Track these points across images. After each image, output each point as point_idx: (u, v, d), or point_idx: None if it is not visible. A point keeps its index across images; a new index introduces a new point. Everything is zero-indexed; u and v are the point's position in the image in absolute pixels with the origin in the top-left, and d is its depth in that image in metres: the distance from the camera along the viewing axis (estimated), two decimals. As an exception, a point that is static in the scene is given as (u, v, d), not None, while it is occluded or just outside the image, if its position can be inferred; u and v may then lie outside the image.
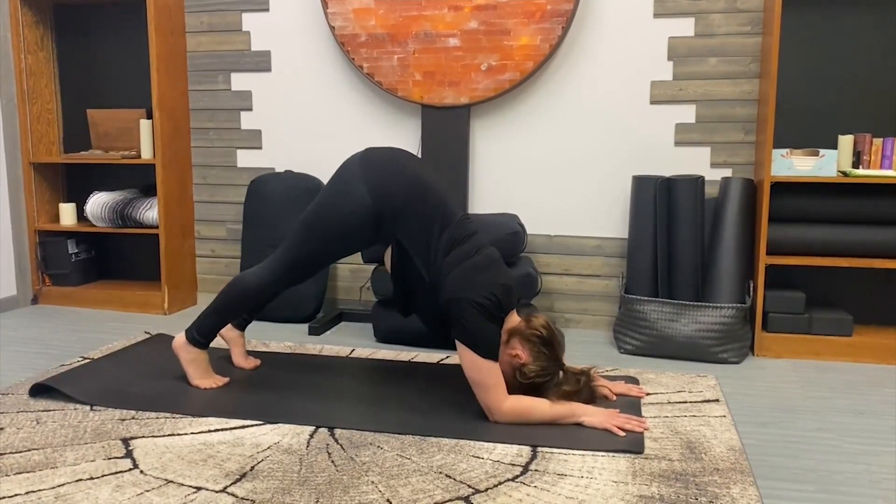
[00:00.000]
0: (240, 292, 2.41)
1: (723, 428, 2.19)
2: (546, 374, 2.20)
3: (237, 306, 2.45)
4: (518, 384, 2.22)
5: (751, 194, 3.03)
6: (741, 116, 3.20)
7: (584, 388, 2.26)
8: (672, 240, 3.02)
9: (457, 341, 2.17)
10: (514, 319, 2.26)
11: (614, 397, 2.39)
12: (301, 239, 2.35)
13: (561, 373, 2.24)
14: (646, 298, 2.99)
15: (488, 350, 2.14)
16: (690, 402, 2.42)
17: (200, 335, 2.46)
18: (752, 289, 3.01)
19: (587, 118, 3.34)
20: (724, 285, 2.96)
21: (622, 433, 2.10)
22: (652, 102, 3.27)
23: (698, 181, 2.99)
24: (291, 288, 2.46)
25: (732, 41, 3.17)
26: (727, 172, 3.24)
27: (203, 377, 2.49)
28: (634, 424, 2.14)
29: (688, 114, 3.24)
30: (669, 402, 2.41)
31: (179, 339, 2.48)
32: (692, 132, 3.25)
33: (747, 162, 3.21)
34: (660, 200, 3.02)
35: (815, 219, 3.01)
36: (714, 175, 3.24)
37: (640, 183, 3.09)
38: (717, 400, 2.43)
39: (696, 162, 3.26)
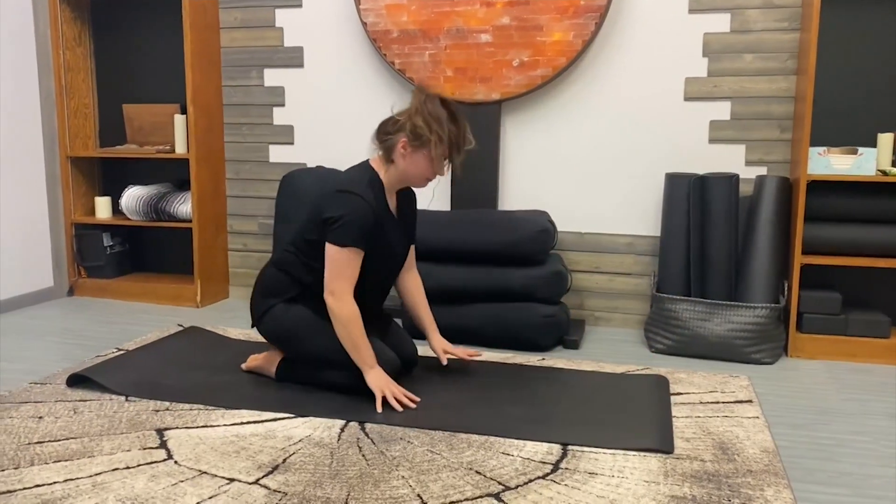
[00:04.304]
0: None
1: (756, 429, 2.17)
2: (424, 112, 2.25)
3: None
4: (432, 142, 2.26)
5: (786, 193, 2.99)
6: (777, 114, 3.15)
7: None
8: (705, 238, 2.98)
9: (327, 246, 2.26)
10: (377, 160, 2.40)
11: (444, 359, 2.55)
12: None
13: (425, 97, 2.28)
14: (678, 297, 2.96)
15: (348, 237, 2.23)
16: (723, 402, 2.39)
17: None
18: (786, 289, 2.97)
19: (620, 115, 3.31)
20: (759, 285, 2.92)
21: (400, 407, 2.23)
22: (686, 99, 3.23)
23: (733, 179, 2.95)
24: None
25: (769, 37, 3.12)
26: (762, 171, 3.19)
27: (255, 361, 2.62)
28: (406, 402, 2.26)
29: (723, 111, 3.20)
30: (701, 403, 2.38)
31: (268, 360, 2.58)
32: (727, 129, 3.21)
33: (783, 160, 3.16)
34: (693, 198, 2.99)
35: (852, 218, 2.96)
36: (749, 173, 3.20)
37: (674, 181, 3.06)
38: (750, 401, 2.40)
39: (730, 160, 3.22)
